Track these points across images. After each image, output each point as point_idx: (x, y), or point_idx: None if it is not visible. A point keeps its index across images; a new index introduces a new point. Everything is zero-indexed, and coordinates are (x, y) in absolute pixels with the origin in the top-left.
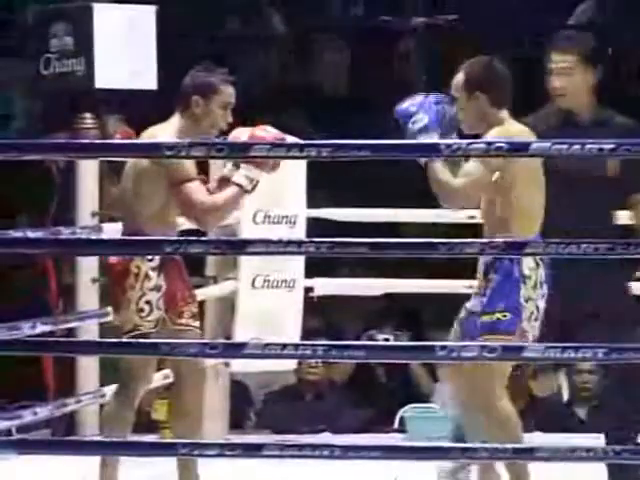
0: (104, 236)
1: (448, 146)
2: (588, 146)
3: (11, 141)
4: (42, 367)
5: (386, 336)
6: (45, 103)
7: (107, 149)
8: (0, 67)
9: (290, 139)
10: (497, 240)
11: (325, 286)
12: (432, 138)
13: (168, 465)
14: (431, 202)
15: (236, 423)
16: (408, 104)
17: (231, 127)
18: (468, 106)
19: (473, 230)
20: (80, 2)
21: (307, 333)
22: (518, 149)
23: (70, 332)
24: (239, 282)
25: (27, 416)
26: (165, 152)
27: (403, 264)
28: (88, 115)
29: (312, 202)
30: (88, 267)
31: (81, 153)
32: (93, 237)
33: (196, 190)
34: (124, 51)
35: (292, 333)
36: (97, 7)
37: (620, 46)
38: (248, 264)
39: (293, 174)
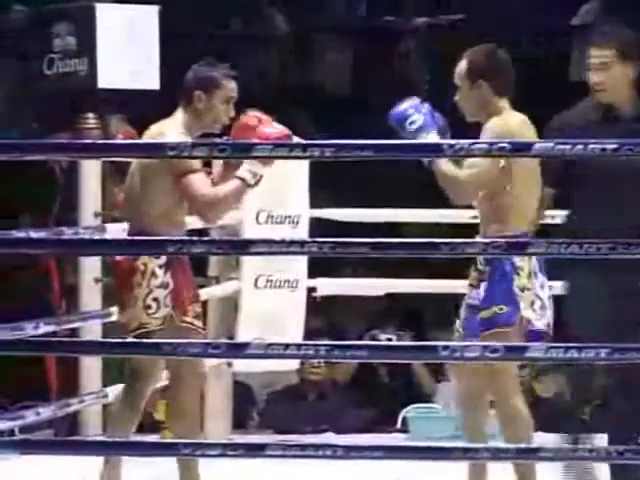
0: (107, 236)
1: (451, 146)
2: (591, 146)
3: (14, 141)
4: (45, 367)
5: (389, 336)
6: (48, 103)
7: (110, 149)
8: (2, 66)
9: (293, 138)
10: (499, 240)
11: (328, 286)
12: (431, 136)
13: (169, 465)
14: (433, 202)
15: (239, 423)
16: (402, 107)
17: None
18: (470, 94)
19: (475, 230)
20: (83, 2)
21: (310, 333)
22: (521, 149)
23: (73, 332)
24: (242, 282)
25: (30, 416)
26: (168, 152)
27: (405, 264)
28: (91, 115)
29: (315, 202)
30: (91, 267)
31: (84, 153)
32: (96, 237)
33: (198, 182)
34: (126, 51)
35: (295, 333)
36: (100, 7)
37: None
38: (251, 264)
39: (296, 174)
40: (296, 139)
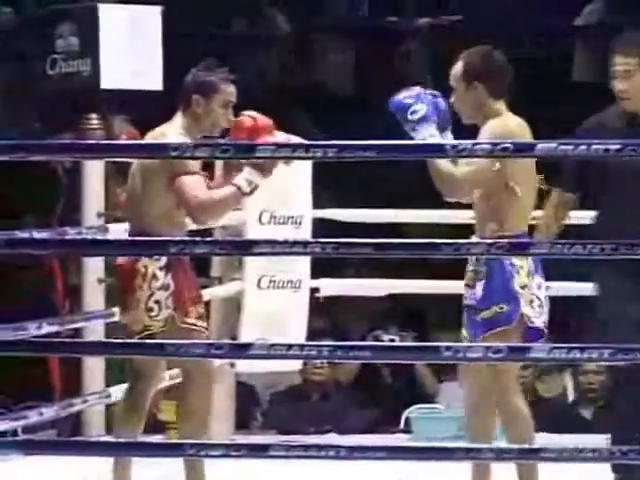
0: (110, 237)
1: (454, 147)
2: (594, 147)
3: (17, 142)
4: (48, 368)
5: (391, 336)
6: (51, 103)
7: (113, 150)
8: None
9: (294, 139)
10: (502, 240)
11: (331, 287)
12: (431, 128)
13: (175, 465)
14: (435, 203)
15: (242, 423)
16: (403, 96)
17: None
18: (466, 96)
19: (471, 230)
20: (86, 2)
21: (312, 333)
22: (523, 150)
23: (76, 332)
24: (245, 283)
25: (33, 416)
26: (171, 153)
27: (408, 265)
28: (94, 115)
29: (317, 203)
30: (94, 267)
31: (87, 154)
32: (99, 238)
33: (192, 183)
34: (129, 51)
35: (298, 333)
36: (102, 7)
37: None
38: (254, 265)
39: (298, 175)
40: (298, 139)
